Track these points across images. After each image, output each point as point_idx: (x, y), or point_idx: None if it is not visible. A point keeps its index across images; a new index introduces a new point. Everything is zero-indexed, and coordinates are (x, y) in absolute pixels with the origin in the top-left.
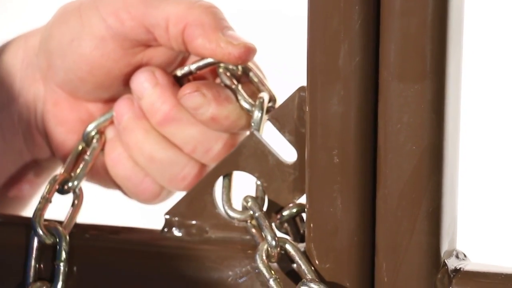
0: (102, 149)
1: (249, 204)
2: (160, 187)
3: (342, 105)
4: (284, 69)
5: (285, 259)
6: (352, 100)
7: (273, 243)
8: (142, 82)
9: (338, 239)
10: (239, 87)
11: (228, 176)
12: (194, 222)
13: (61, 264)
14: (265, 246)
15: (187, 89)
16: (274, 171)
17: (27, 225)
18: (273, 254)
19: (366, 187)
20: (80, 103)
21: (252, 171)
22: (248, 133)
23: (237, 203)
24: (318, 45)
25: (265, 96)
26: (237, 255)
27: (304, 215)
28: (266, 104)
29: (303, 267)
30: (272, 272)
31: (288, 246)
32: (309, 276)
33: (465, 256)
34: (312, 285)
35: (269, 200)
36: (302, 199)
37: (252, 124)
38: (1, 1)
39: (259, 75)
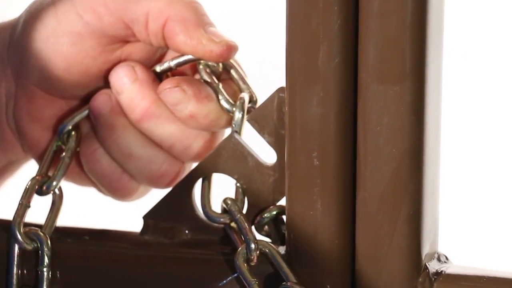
0: (78, 146)
1: (229, 206)
2: (137, 184)
3: (321, 107)
4: (268, 67)
5: (265, 262)
6: (331, 101)
7: (253, 246)
8: (122, 77)
9: (318, 242)
10: (220, 86)
11: (207, 178)
12: (173, 224)
13: (45, 269)
14: (245, 249)
15: (167, 84)
16: (253, 173)
17: (8, 229)
18: (252, 257)
19: (346, 190)
20: (55, 100)
21: (232, 173)
22: (228, 132)
23: (217, 206)
24: (297, 45)
25: (245, 96)
26: (216, 258)
27: (284, 217)
28: (247, 105)
29: (283, 270)
30: (252, 275)
31: (267, 249)
32: (289, 280)
33: (447, 258)
34: None
35: (248, 202)
36: (283, 201)
37: (233, 126)
38: (1, 1)
39: (240, 72)
